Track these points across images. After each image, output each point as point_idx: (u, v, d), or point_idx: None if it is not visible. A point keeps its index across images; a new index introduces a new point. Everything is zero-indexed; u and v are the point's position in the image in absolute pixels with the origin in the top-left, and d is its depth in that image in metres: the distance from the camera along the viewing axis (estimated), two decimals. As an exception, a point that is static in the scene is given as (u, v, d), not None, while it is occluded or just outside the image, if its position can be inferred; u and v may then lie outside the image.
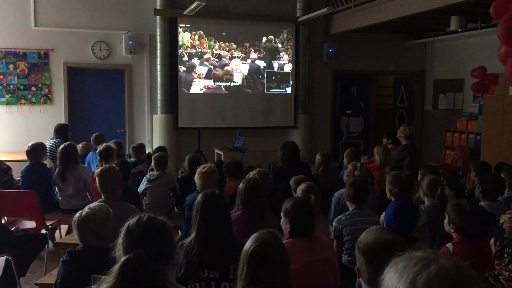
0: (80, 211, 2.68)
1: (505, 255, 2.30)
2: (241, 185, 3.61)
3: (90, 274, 2.27)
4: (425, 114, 10.37)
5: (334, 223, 3.65)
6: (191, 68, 8.70)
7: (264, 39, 9.01)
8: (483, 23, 8.03)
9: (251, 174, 4.33)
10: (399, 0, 7.01)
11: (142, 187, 5.09)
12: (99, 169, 3.79)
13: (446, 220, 2.94)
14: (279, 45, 9.14)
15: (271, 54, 9.10)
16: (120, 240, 2.06)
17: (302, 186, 3.86)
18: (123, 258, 1.78)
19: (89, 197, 5.26)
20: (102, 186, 3.59)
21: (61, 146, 5.33)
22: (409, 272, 1.08)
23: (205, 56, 8.75)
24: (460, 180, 5.26)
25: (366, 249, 1.86)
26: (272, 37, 9.07)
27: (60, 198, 5.25)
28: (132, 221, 2.10)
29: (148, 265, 1.77)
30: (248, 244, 2.09)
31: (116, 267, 1.75)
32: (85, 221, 2.62)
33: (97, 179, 3.62)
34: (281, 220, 2.92)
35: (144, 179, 5.15)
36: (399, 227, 3.20)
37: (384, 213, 3.80)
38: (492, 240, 2.41)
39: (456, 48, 9.48)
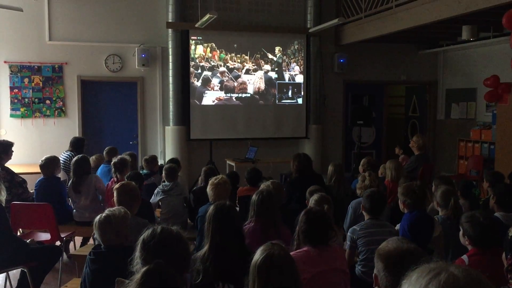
0: (100, 215, 2.82)
1: (517, 268, 2.27)
2: (254, 196, 3.61)
3: (113, 273, 2.31)
4: (438, 124, 10.31)
5: (348, 233, 3.63)
6: (203, 80, 8.77)
7: (277, 51, 9.06)
8: (495, 32, 7.99)
9: (265, 184, 4.33)
10: (410, 10, 7.02)
11: (156, 198, 5.11)
12: (118, 184, 3.80)
13: (461, 232, 2.91)
14: (291, 56, 9.17)
15: (282, 65, 9.14)
16: (137, 253, 2.09)
17: (314, 197, 3.86)
18: (143, 269, 1.79)
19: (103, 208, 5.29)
20: (119, 201, 3.61)
21: (74, 159, 5.39)
22: (421, 282, 1.13)
23: (217, 68, 8.81)
24: (474, 191, 5.20)
25: (387, 256, 1.90)
26: (283, 48, 9.11)
27: (75, 210, 5.29)
28: (146, 233, 2.14)
29: (169, 274, 1.79)
30: (256, 257, 2.12)
31: (137, 277, 1.76)
32: (106, 221, 2.75)
33: (115, 193, 3.65)
34: (297, 229, 2.93)
35: (158, 190, 5.18)
36: (414, 239, 3.16)
37: (398, 225, 3.78)
38: (503, 255, 2.38)
39: (468, 57, 9.44)
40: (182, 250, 2.13)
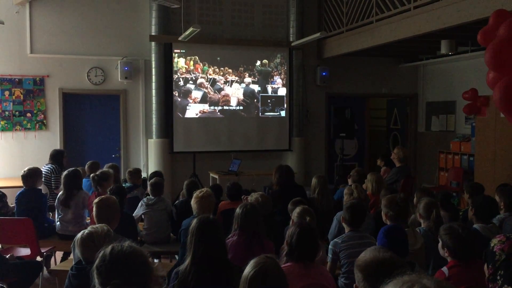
0: (82, 231, 2.78)
1: (498, 277, 2.32)
2: (238, 210, 3.62)
3: None
4: (418, 136, 10.46)
5: (330, 246, 3.65)
6: (186, 93, 8.77)
7: (258, 63, 9.13)
8: (473, 46, 8.17)
9: (254, 197, 4.33)
10: (390, 25, 7.15)
11: (139, 211, 5.06)
12: (97, 198, 3.76)
13: (440, 244, 2.95)
14: (273, 69, 9.24)
15: (265, 78, 9.20)
16: (95, 281, 2.04)
17: (297, 209, 3.88)
18: None
19: (87, 222, 5.23)
20: (99, 215, 3.56)
21: (65, 172, 5.29)
22: None
23: (200, 81, 8.83)
24: (453, 201, 5.28)
25: (364, 266, 1.95)
26: (266, 61, 9.18)
27: (58, 223, 5.21)
28: (97, 259, 2.08)
29: None
30: (248, 270, 2.11)
31: None
32: (88, 238, 2.73)
33: (94, 207, 3.61)
34: (286, 243, 2.93)
35: (141, 203, 5.12)
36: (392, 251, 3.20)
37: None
38: (485, 265, 2.43)
39: (447, 71, 9.63)
40: (138, 264, 2.06)
